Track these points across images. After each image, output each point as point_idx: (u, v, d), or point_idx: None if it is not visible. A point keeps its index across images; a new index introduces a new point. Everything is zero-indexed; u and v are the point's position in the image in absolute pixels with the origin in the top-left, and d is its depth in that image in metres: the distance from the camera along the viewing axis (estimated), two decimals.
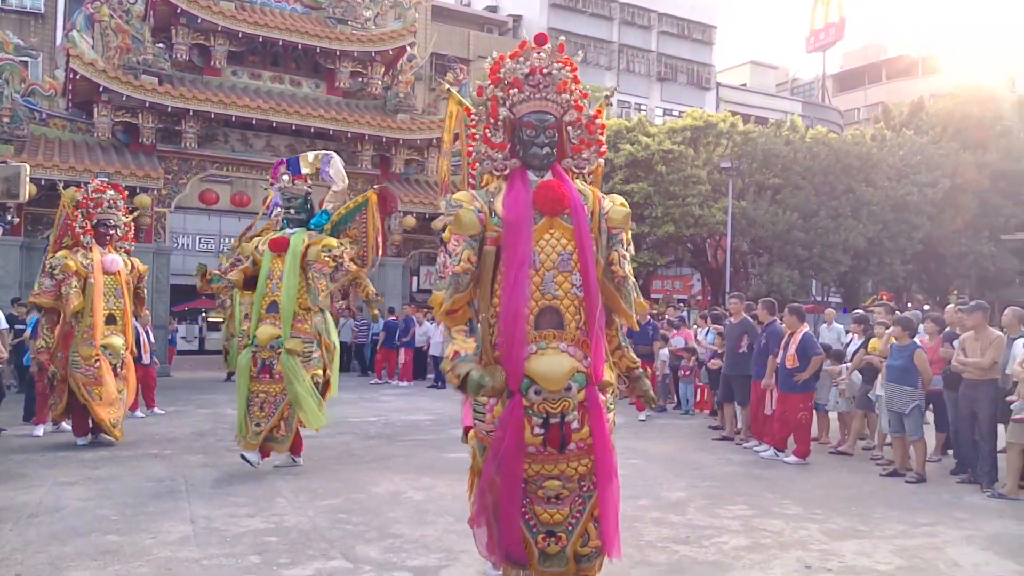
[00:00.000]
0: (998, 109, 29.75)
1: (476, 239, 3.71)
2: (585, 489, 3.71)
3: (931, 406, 8.87)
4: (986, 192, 26.99)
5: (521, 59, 3.85)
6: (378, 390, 15.67)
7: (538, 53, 3.85)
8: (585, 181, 4.07)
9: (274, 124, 17.56)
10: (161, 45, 17.53)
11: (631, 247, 4.11)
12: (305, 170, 8.23)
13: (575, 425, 3.63)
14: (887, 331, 8.66)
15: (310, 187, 8.21)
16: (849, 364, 9.69)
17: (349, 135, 18.41)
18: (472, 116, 4.24)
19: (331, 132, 18.25)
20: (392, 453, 8.76)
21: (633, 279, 4.00)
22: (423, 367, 17.47)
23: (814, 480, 7.84)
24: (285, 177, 8.03)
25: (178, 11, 17.05)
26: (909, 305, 25.91)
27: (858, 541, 5.63)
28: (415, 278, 24.41)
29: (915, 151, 26.74)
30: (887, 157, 26.16)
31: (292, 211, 7.88)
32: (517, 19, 39.34)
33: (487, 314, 3.73)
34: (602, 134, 4.05)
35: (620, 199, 4.04)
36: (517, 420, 3.55)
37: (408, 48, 19.58)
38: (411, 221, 18.83)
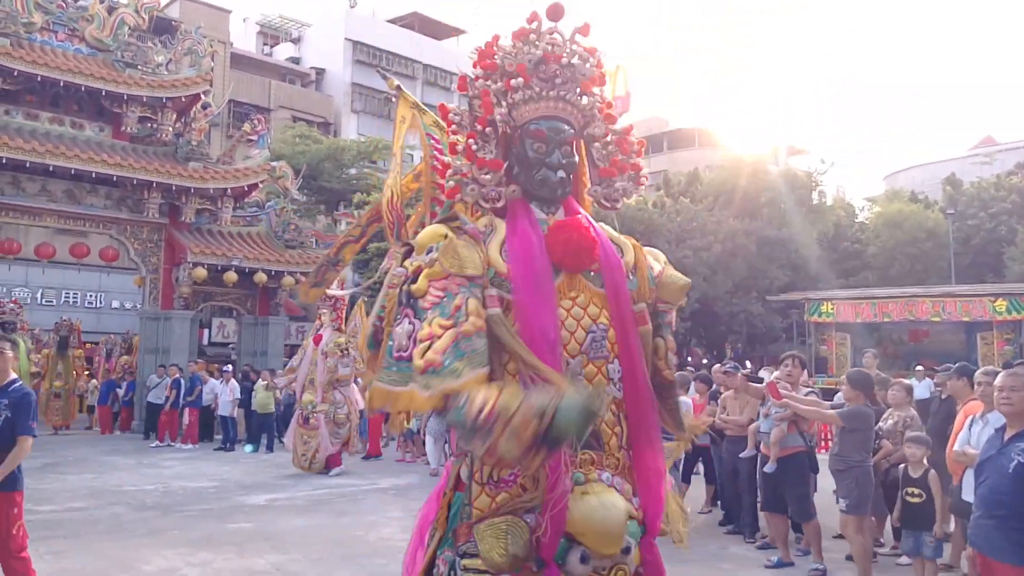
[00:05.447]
0: (765, 180, 32.72)
1: (478, 286, 2.44)
2: None
3: (701, 460, 9.54)
4: (753, 257, 29.51)
5: (531, 39, 2.70)
6: (159, 454, 14.63)
7: (553, 33, 2.71)
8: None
9: (51, 168, 16.36)
10: None
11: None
12: None
13: None
14: None
15: None
16: None
17: (135, 182, 17.48)
18: (452, 118, 2.84)
19: (115, 178, 17.25)
20: (168, 525, 8.22)
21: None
22: (209, 428, 16.53)
23: None
24: None
25: None
26: (690, 359, 27.80)
27: None
28: (206, 331, 23.32)
29: (691, 218, 28.90)
30: (667, 223, 28.11)
31: None
32: (320, 72, 39.18)
33: None
34: (640, 155, 2.92)
35: (664, 258, 2.95)
36: None
37: (202, 96, 18.97)
38: (202, 273, 17.99)
